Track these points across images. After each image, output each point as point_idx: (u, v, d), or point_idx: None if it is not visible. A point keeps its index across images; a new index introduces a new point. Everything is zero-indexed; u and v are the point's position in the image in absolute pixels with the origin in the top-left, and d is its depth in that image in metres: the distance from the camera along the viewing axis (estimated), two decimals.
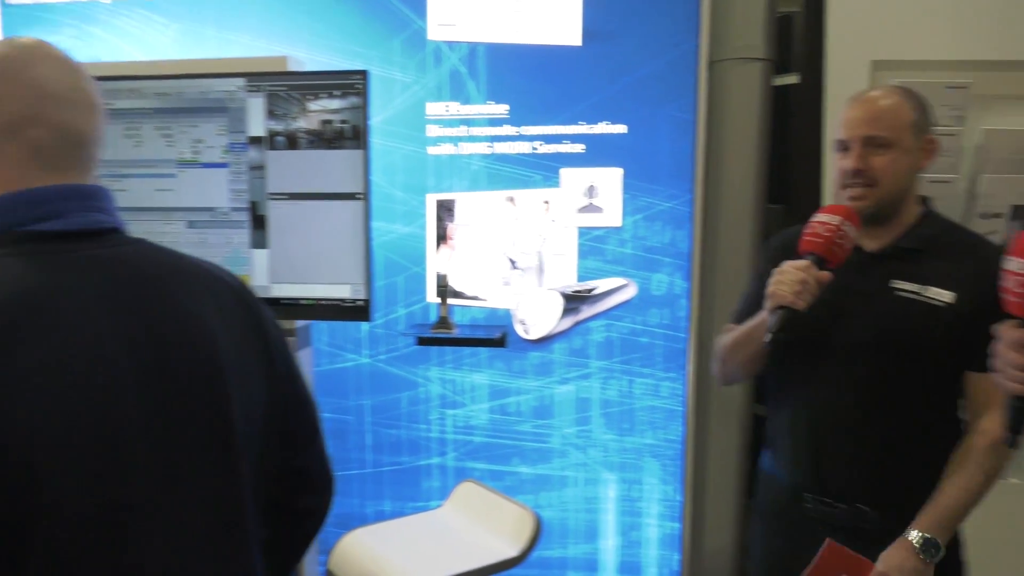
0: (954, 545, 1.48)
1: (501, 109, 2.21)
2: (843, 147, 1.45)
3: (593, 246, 2.24)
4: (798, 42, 2.32)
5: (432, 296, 2.26)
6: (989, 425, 1.37)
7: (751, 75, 2.23)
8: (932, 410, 1.48)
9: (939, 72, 2.00)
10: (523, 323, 2.28)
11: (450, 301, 2.18)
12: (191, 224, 1.96)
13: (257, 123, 1.90)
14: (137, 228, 1.96)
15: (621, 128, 2.18)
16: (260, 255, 1.94)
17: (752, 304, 1.56)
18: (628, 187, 2.20)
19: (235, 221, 1.95)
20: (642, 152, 2.18)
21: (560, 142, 2.20)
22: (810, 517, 1.50)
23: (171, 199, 1.95)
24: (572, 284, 2.24)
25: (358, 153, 1.88)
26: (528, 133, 2.21)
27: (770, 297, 1.35)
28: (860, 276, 1.37)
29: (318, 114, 1.89)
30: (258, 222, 1.93)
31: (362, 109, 1.87)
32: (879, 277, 1.45)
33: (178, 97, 1.92)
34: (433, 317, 2.20)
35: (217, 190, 1.94)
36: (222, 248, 1.96)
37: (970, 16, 1.99)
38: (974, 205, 2.05)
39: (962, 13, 1.99)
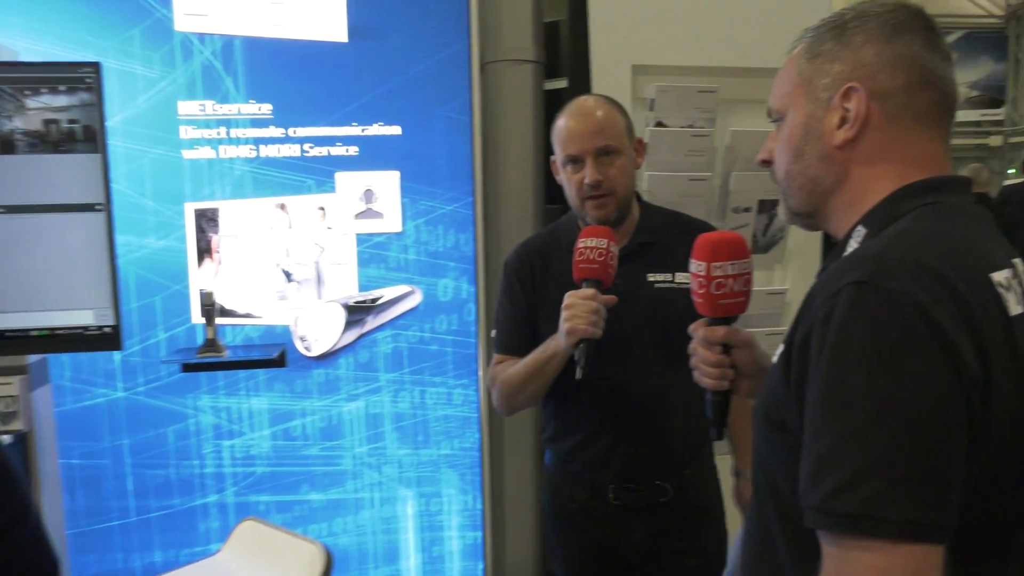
0: (719, 513, 1.62)
1: (264, 109, 2.05)
2: (574, 160, 1.48)
3: (374, 253, 2.14)
4: (565, 48, 2.40)
5: (197, 316, 2.05)
6: None
7: (523, 77, 2.27)
8: None
9: (691, 77, 2.17)
10: (303, 339, 2.13)
11: (219, 321, 1.99)
12: None
13: None
14: None
15: (395, 129, 2.11)
16: None
17: (520, 330, 1.57)
18: (407, 190, 2.13)
19: None
20: (419, 154, 2.13)
21: (332, 144, 2.09)
22: (613, 505, 1.54)
23: None
24: (354, 295, 2.14)
25: (94, 157, 1.67)
26: (297, 135, 2.07)
27: (569, 334, 1.34)
28: (618, 279, 1.40)
29: (39, 112, 1.64)
30: None
31: (96, 107, 1.66)
32: (634, 275, 1.51)
33: None
34: (200, 340, 1.99)
35: None
36: None
37: (718, 26, 2.18)
38: (727, 201, 2.23)
39: (711, 23, 2.17)
